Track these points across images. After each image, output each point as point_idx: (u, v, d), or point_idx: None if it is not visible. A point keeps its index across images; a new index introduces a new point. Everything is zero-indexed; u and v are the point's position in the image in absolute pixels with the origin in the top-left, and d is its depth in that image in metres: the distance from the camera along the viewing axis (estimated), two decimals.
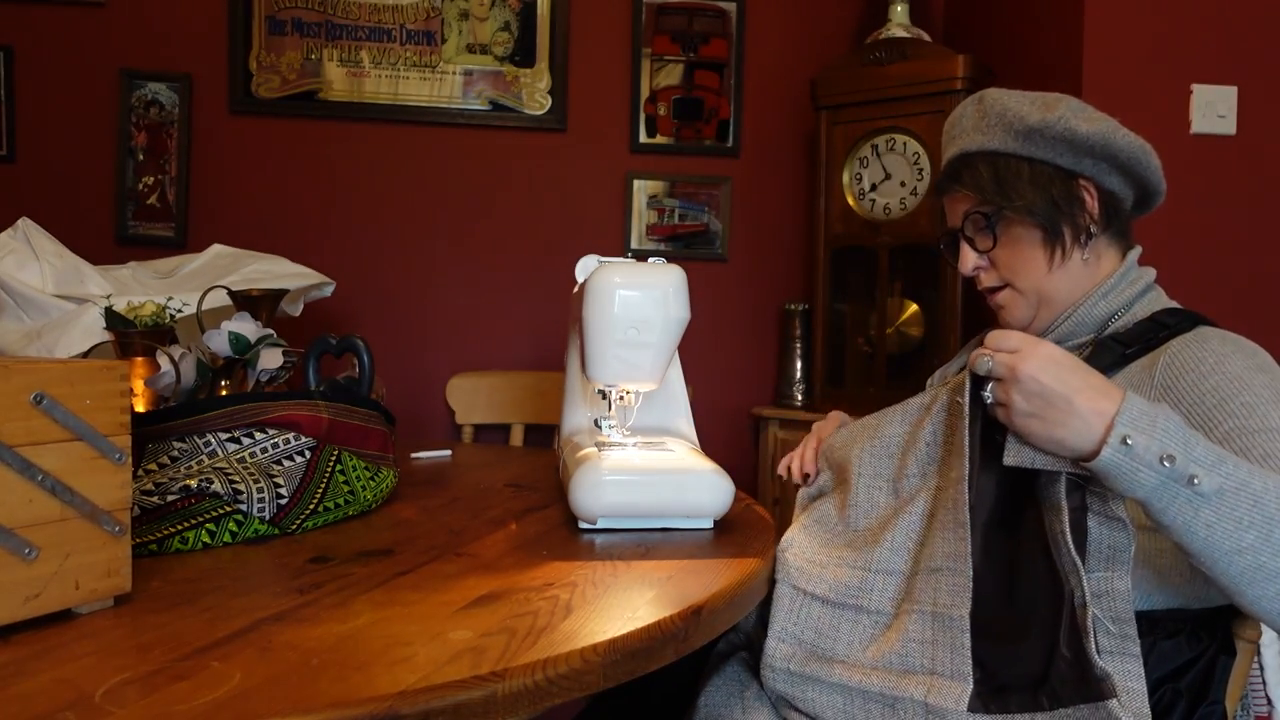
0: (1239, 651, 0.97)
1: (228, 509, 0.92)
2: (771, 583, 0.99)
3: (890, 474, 0.96)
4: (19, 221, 1.53)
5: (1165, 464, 0.73)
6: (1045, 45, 1.97)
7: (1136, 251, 1.08)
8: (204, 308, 1.30)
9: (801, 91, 2.40)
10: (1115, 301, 1.04)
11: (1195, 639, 0.94)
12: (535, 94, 2.38)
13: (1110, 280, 1.04)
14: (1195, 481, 0.73)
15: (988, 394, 0.81)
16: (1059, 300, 1.06)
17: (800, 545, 0.98)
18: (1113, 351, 0.99)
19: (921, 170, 2.11)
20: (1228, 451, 0.77)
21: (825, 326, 2.27)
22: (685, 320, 1.08)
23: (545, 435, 2.22)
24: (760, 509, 1.16)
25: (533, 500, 1.19)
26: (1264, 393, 0.87)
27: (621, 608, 0.75)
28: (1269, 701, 1.01)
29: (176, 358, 1.11)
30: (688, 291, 1.08)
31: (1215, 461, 0.74)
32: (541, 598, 0.77)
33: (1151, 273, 1.08)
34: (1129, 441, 0.73)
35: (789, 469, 1.15)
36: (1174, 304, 1.06)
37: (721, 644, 1.08)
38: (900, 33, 2.18)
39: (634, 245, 2.43)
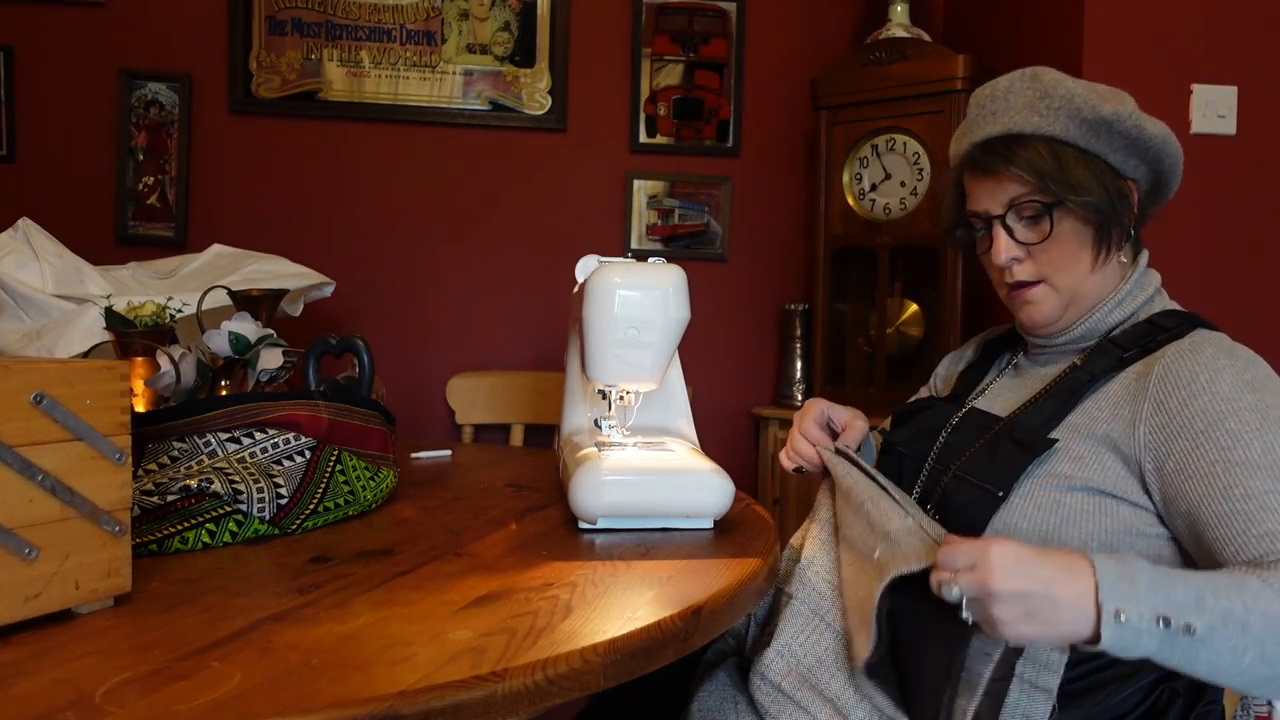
0: None
1: (228, 509, 0.92)
2: (777, 590, 0.99)
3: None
4: (19, 221, 1.53)
5: (1161, 625, 0.74)
6: (1045, 45, 1.97)
7: (1146, 255, 1.06)
8: (204, 308, 1.30)
9: (801, 91, 2.40)
10: (1130, 306, 1.03)
11: None
12: (535, 94, 2.39)
13: (1125, 286, 1.03)
14: (1191, 629, 0.74)
15: (967, 615, 0.78)
16: (1088, 301, 1.02)
17: (822, 566, 0.96)
18: (1110, 355, 0.99)
19: (921, 170, 2.11)
20: (1199, 578, 0.77)
21: (825, 326, 2.27)
22: (685, 320, 1.08)
23: (545, 435, 2.22)
24: (760, 509, 1.16)
25: (533, 500, 1.19)
26: (1249, 418, 0.87)
27: (621, 608, 0.75)
28: (1269, 701, 1.01)
29: (176, 358, 1.11)
30: (688, 291, 1.08)
31: (1198, 600, 0.75)
32: (541, 598, 0.77)
33: (1158, 276, 1.06)
34: (1122, 617, 0.74)
35: (784, 460, 1.14)
36: (1173, 305, 1.05)
37: (710, 652, 1.06)
38: (900, 33, 2.19)
39: (634, 245, 2.43)
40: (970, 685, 0.80)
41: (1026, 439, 0.96)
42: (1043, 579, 0.75)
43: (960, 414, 1.08)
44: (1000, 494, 0.94)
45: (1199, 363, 0.91)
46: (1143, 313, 1.03)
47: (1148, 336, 0.99)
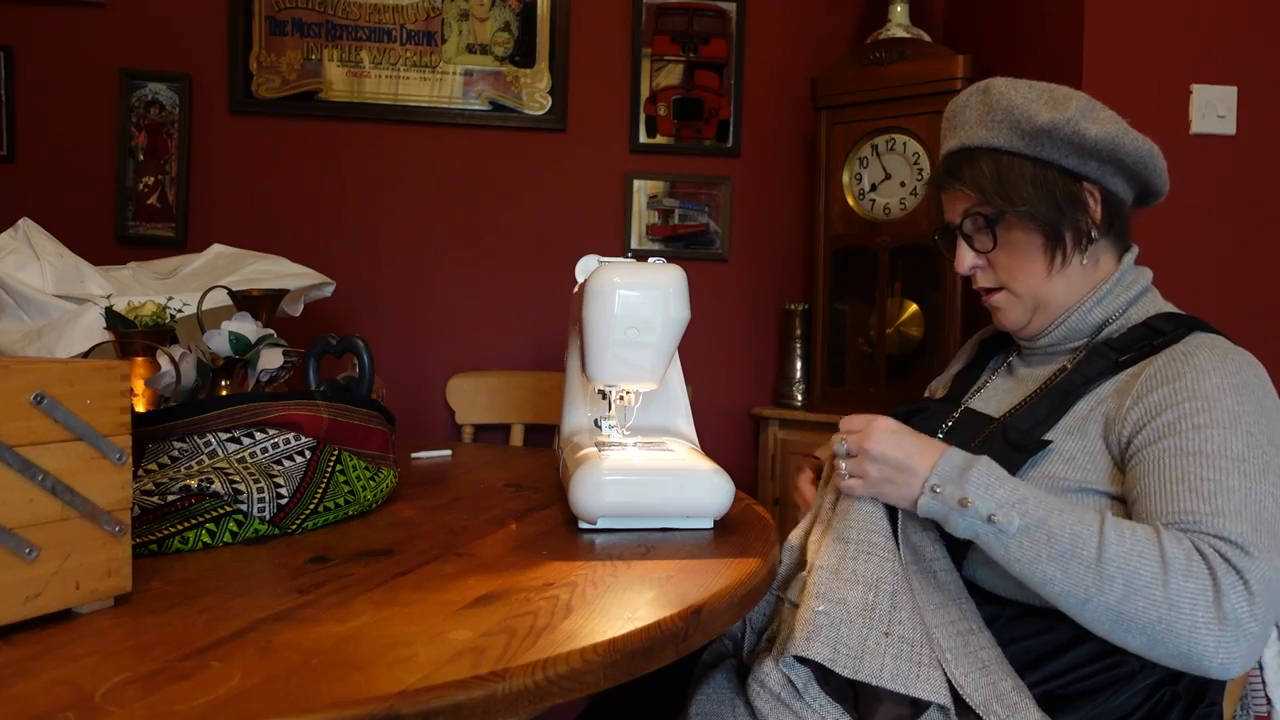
0: None
1: (228, 509, 0.92)
2: (776, 597, 0.99)
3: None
4: (19, 221, 1.53)
5: (964, 506, 0.86)
6: (1045, 45, 1.97)
7: (1133, 253, 1.07)
8: (204, 308, 1.30)
9: (801, 91, 2.40)
10: (1110, 306, 1.03)
11: None
12: (535, 94, 2.39)
13: (1106, 285, 1.03)
14: (994, 520, 0.84)
15: (844, 471, 0.95)
16: (1055, 304, 1.04)
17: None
18: (1105, 358, 0.99)
19: (921, 170, 2.11)
20: (1046, 496, 0.86)
21: (825, 326, 2.27)
22: (685, 320, 1.08)
23: (545, 435, 2.22)
24: (760, 509, 1.16)
25: (533, 500, 1.19)
26: (1220, 416, 0.88)
27: (621, 608, 0.75)
28: (1268, 701, 1.01)
29: (177, 358, 1.11)
30: (688, 291, 1.08)
31: (1017, 501, 0.85)
32: (541, 598, 0.77)
33: (1148, 274, 1.07)
34: (937, 489, 0.88)
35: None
36: (1170, 307, 1.05)
37: (707, 654, 1.06)
38: (900, 33, 2.19)
39: (634, 245, 2.43)
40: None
41: (1019, 440, 0.96)
42: (907, 449, 0.91)
43: (956, 415, 1.08)
44: None
45: (1189, 364, 0.92)
46: (1134, 313, 1.03)
47: (1144, 340, 0.99)
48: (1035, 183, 1.01)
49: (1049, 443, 0.95)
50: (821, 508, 1.01)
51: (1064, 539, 0.82)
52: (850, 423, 0.96)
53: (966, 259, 1.07)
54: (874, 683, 0.85)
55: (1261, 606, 0.78)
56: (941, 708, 0.86)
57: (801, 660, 0.88)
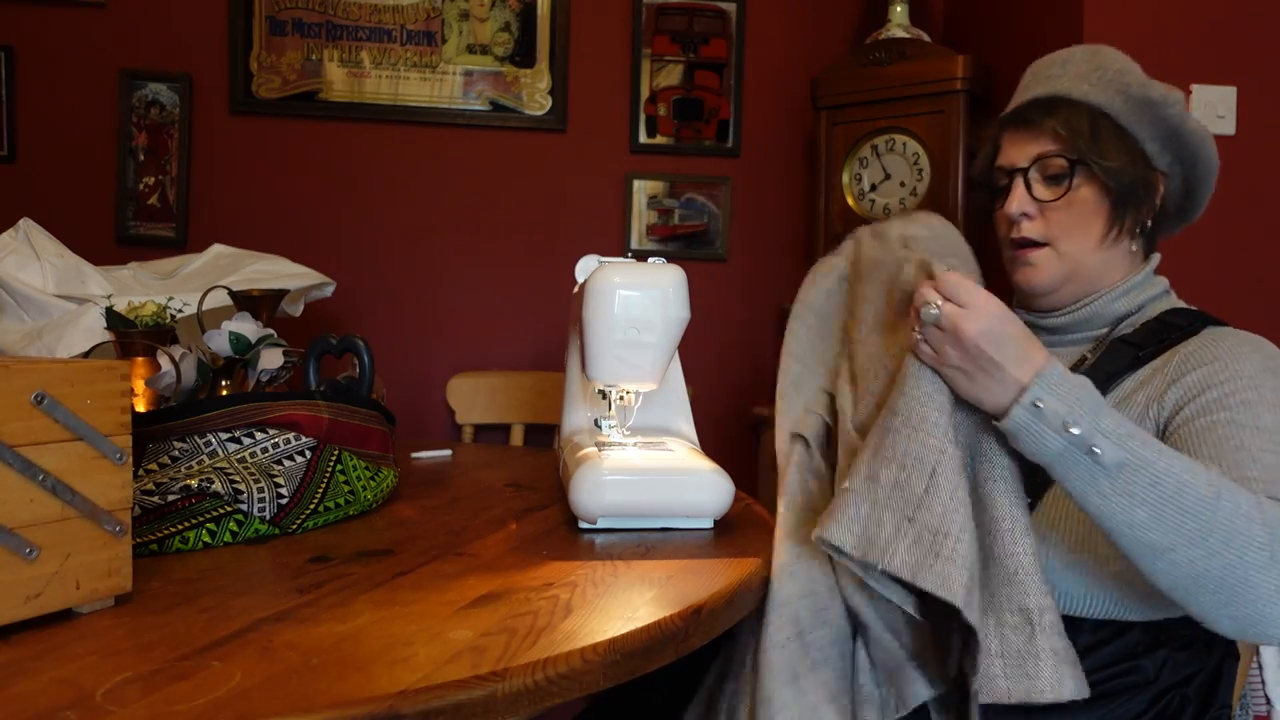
0: (1239, 653, 0.97)
1: (228, 509, 0.92)
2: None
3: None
4: (20, 221, 1.53)
5: (1071, 430, 0.76)
6: (1045, 45, 1.96)
7: (1157, 258, 1.07)
8: (204, 308, 1.30)
9: (801, 91, 2.40)
10: (1133, 301, 1.03)
11: (1207, 649, 0.94)
12: (535, 94, 2.39)
13: (1136, 278, 1.03)
14: (1096, 451, 0.76)
15: (919, 335, 0.82)
16: (1091, 279, 1.02)
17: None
18: (1125, 355, 0.98)
19: (921, 170, 2.11)
20: (1145, 432, 0.79)
21: None
22: (685, 320, 1.08)
23: (545, 435, 2.22)
24: (760, 509, 1.16)
25: (533, 500, 1.19)
26: (1268, 395, 0.87)
27: (621, 608, 0.75)
28: (1268, 701, 1.01)
29: (177, 358, 1.11)
30: (688, 291, 1.08)
31: (1122, 436, 0.77)
32: (541, 598, 0.77)
33: (1165, 281, 1.07)
34: (1039, 404, 0.77)
35: None
36: (1182, 304, 1.05)
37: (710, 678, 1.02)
38: (900, 33, 2.19)
39: (634, 245, 2.43)
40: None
41: None
42: (1008, 355, 0.79)
43: None
44: (1030, 501, 0.93)
45: (1221, 348, 0.92)
46: (1151, 309, 1.03)
47: (1161, 335, 0.98)
48: (1122, 148, 0.99)
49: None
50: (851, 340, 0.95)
51: (1169, 484, 0.76)
52: (957, 290, 0.81)
53: (1020, 201, 1.01)
54: (879, 567, 0.78)
55: None
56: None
57: (824, 544, 0.81)
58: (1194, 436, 0.87)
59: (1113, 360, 0.99)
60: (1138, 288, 1.03)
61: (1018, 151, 1.04)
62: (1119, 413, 0.80)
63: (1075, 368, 1.02)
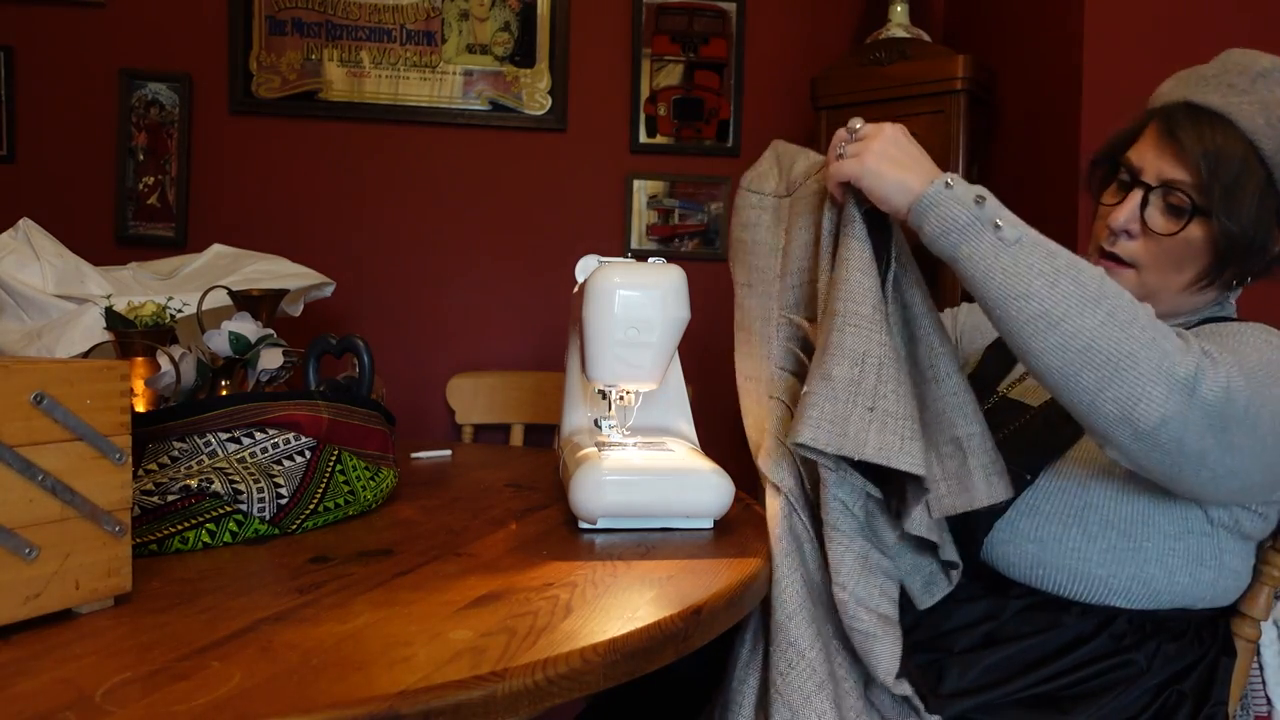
0: (1239, 651, 0.98)
1: (228, 509, 0.92)
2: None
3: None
4: (19, 221, 1.53)
5: (976, 204, 0.82)
6: (1045, 45, 1.97)
7: (1237, 292, 1.03)
8: (204, 308, 1.30)
9: (801, 91, 2.40)
10: (1191, 319, 1.01)
11: (1199, 640, 0.95)
12: (535, 94, 2.39)
13: (1207, 311, 1.00)
14: (998, 224, 0.81)
15: (843, 149, 0.91)
16: (1163, 308, 0.98)
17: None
18: None
19: None
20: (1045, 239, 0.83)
21: None
22: (685, 320, 1.08)
23: (545, 435, 2.22)
24: (760, 509, 1.16)
25: (533, 500, 1.19)
26: (1252, 338, 0.88)
27: (621, 608, 0.75)
28: (1268, 701, 1.01)
29: (177, 358, 1.11)
30: (688, 291, 1.08)
31: (1020, 222, 0.83)
32: (541, 598, 0.77)
33: (1233, 303, 1.04)
34: (950, 184, 0.84)
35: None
36: (1234, 315, 1.03)
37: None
38: (900, 33, 2.18)
39: (634, 245, 2.43)
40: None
41: (1058, 423, 0.95)
42: (920, 151, 0.89)
43: (993, 402, 1.07)
44: (1029, 476, 0.94)
45: (1235, 327, 0.92)
46: (1196, 318, 1.01)
47: (1192, 328, 0.97)
48: (1259, 202, 0.92)
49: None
50: (781, 256, 1.04)
51: (1064, 258, 0.80)
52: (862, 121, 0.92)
53: (1128, 216, 0.96)
54: (856, 456, 0.84)
55: (1215, 392, 0.77)
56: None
57: (801, 447, 0.87)
58: None
59: None
60: (1201, 312, 1.00)
61: (1151, 161, 0.96)
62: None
63: None
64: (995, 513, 0.94)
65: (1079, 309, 0.77)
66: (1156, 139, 0.96)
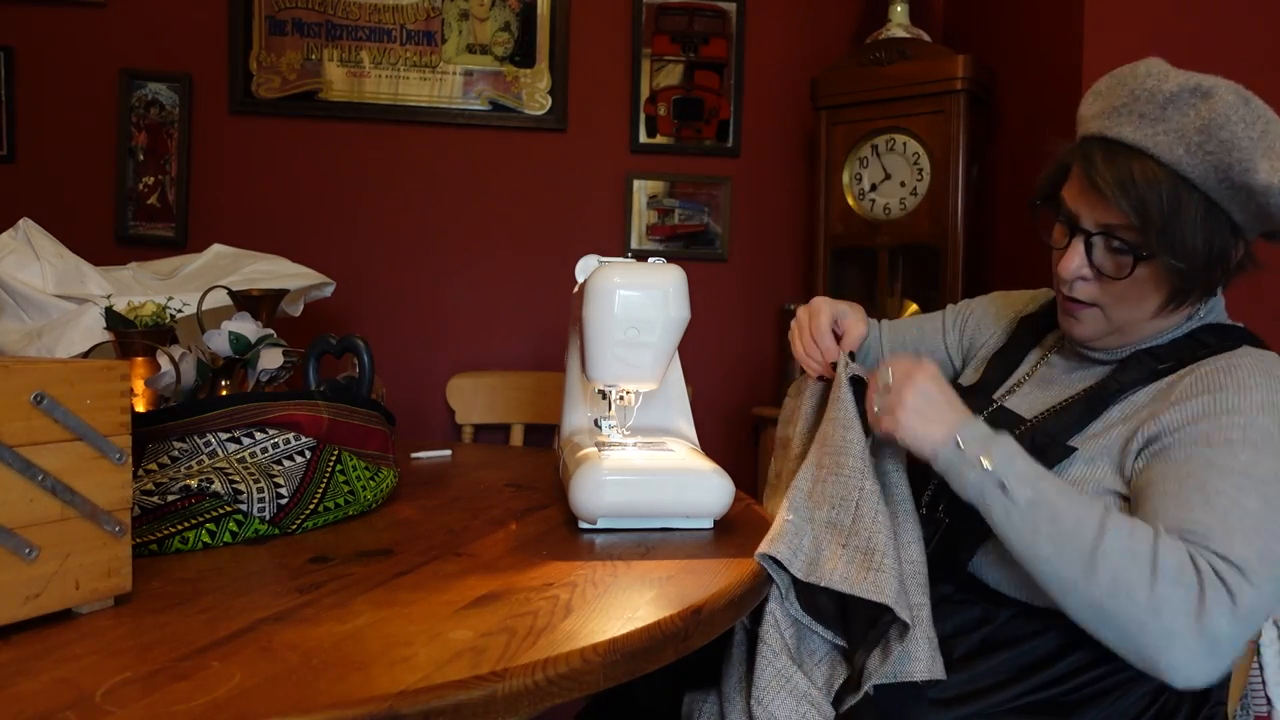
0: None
1: (228, 509, 0.92)
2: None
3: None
4: (19, 221, 1.53)
5: (984, 464, 0.85)
6: (1045, 45, 1.97)
7: (1220, 300, 1.00)
8: (204, 308, 1.30)
9: (801, 91, 2.40)
10: (1173, 333, 0.98)
11: None
12: (535, 94, 2.39)
13: (1190, 324, 0.98)
14: (1005, 487, 0.84)
15: (877, 405, 0.95)
16: (1139, 333, 0.98)
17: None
18: (1144, 365, 0.96)
19: (921, 170, 2.11)
20: (1056, 480, 0.86)
21: None
22: (685, 320, 1.08)
23: (545, 435, 2.22)
24: (760, 509, 1.16)
25: (533, 500, 1.19)
26: (1254, 435, 0.84)
27: (621, 608, 0.75)
28: (1268, 701, 1.01)
29: (177, 358, 1.11)
30: (688, 291, 1.08)
31: (1032, 478, 0.85)
32: (541, 598, 0.77)
33: (1221, 303, 1.01)
34: (960, 443, 0.87)
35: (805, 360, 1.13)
36: (1225, 319, 1.00)
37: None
38: (900, 33, 2.19)
39: (634, 245, 2.43)
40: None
41: (1046, 445, 0.95)
42: (947, 395, 0.92)
43: (989, 412, 1.06)
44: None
45: (1231, 377, 0.89)
46: (1187, 325, 0.99)
47: (1187, 351, 0.95)
48: (1202, 229, 0.88)
49: (1074, 449, 0.94)
50: (795, 435, 1.08)
51: (1066, 521, 0.82)
52: (897, 360, 0.95)
53: (1076, 266, 0.95)
54: (822, 584, 0.88)
55: (1241, 630, 0.77)
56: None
57: (771, 561, 0.92)
58: (1163, 466, 0.87)
59: (1127, 372, 0.96)
60: (1179, 327, 0.98)
61: (1086, 207, 0.93)
62: (1038, 464, 0.87)
63: (1093, 385, 1.00)
64: (980, 535, 0.93)
65: (1085, 577, 0.80)
66: (1081, 184, 0.94)
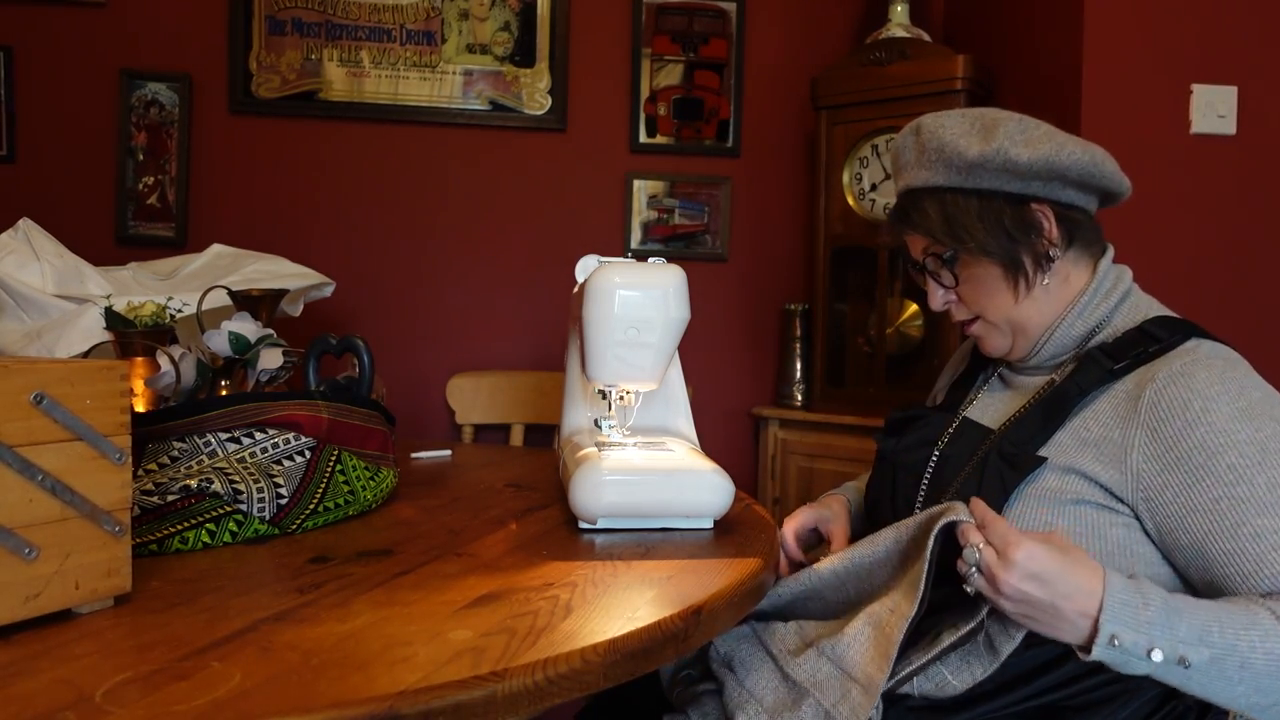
0: None
1: (228, 509, 0.92)
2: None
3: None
4: (19, 221, 1.53)
5: (1154, 658, 0.78)
6: (1045, 45, 1.97)
7: (1108, 259, 1.04)
8: (204, 308, 1.30)
9: (801, 91, 2.40)
10: (1094, 317, 1.01)
11: None
12: (535, 94, 2.38)
13: (1085, 297, 1.01)
14: (1185, 661, 0.78)
15: (971, 588, 0.84)
16: (1034, 325, 1.03)
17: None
18: (1100, 366, 0.97)
19: None
20: (1210, 609, 0.81)
21: (825, 327, 2.27)
22: (685, 320, 1.08)
23: (545, 435, 2.22)
24: (760, 509, 1.16)
25: (533, 500, 1.19)
26: (1249, 451, 0.86)
27: (621, 608, 0.75)
28: None
29: (176, 358, 1.11)
30: (688, 291, 1.08)
31: (1203, 634, 0.79)
32: (541, 598, 0.77)
33: (1127, 274, 1.04)
34: (1116, 642, 0.78)
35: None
36: (1163, 310, 1.02)
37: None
38: (900, 33, 2.19)
39: (634, 245, 2.43)
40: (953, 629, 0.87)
41: (1014, 456, 0.96)
42: (1058, 592, 0.79)
43: (955, 425, 1.08)
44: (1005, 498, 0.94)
45: (1193, 390, 0.89)
46: (1122, 318, 1.01)
47: (1139, 346, 0.96)
48: (982, 216, 1.00)
49: (1044, 460, 0.94)
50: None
51: (1258, 662, 0.79)
52: (991, 530, 0.83)
53: (938, 296, 1.08)
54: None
55: None
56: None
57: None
58: (1196, 520, 0.87)
59: (1084, 374, 0.97)
60: (1090, 304, 1.01)
61: (913, 247, 1.09)
62: (1186, 601, 0.81)
63: (1049, 385, 1.01)
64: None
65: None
66: (899, 235, 1.11)
